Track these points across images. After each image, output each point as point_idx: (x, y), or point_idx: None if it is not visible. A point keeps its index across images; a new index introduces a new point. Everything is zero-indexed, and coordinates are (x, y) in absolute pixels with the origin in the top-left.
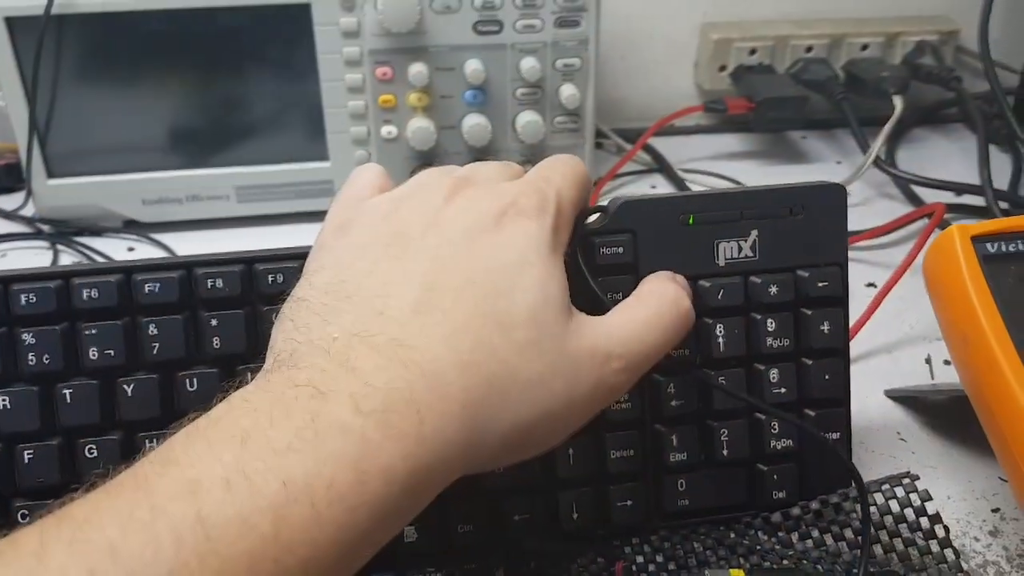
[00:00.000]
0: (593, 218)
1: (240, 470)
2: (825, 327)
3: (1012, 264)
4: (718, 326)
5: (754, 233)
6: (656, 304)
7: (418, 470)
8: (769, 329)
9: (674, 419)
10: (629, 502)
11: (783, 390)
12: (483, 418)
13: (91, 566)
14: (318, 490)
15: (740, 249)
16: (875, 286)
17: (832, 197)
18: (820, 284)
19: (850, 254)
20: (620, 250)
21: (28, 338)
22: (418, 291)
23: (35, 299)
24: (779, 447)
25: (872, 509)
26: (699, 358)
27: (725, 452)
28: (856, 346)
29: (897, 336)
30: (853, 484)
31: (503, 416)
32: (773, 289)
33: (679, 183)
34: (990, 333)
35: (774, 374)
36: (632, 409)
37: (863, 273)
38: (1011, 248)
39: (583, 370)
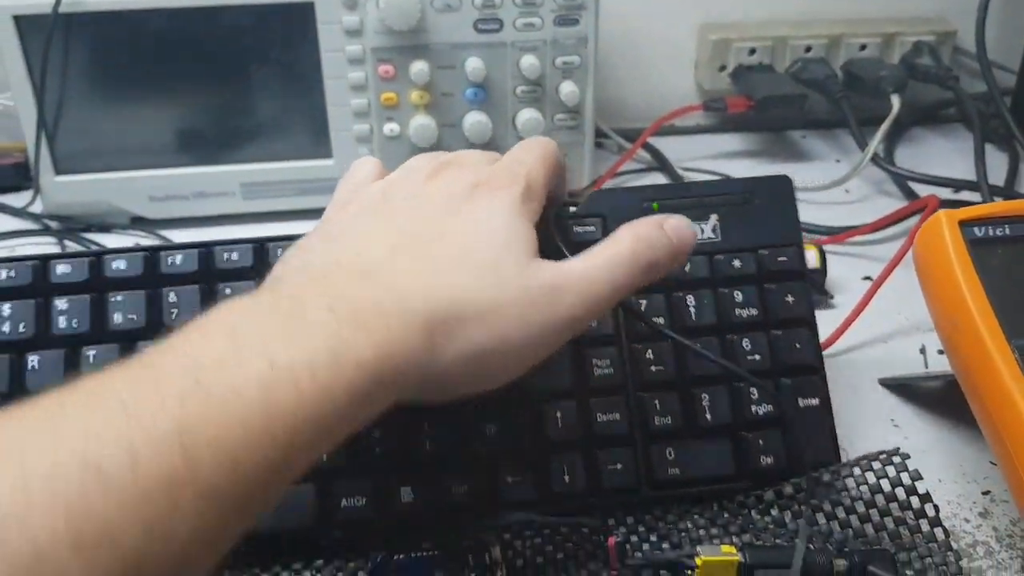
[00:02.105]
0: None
1: (232, 352)
2: (789, 299)
3: (999, 248)
4: (688, 297)
5: (714, 217)
6: (615, 250)
7: (386, 364)
8: (737, 300)
9: (656, 384)
10: (619, 465)
11: (757, 357)
12: (443, 334)
13: (105, 416)
14: (300, 372)
15: (703, 231)
16: (871, 279)
17: (780, 186)
18: (780, 259)
19: (847, 249)
20: (592, 229)
21: (61, 304)
22: (395, 238)
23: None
24: (760, 412)
25: (863, 488)
26: (671, 325)
27: (708, 417)
28: (851, 337)
29: (892, 327)
30: (841, 456)
31: (462, 335)
32: (736, 263)
33: (679, 181)
34: (978, 317)
35: (746, 342)
36: (615, 375)
37: (860, 267)
38: (998, 232)
39: (538, 302)
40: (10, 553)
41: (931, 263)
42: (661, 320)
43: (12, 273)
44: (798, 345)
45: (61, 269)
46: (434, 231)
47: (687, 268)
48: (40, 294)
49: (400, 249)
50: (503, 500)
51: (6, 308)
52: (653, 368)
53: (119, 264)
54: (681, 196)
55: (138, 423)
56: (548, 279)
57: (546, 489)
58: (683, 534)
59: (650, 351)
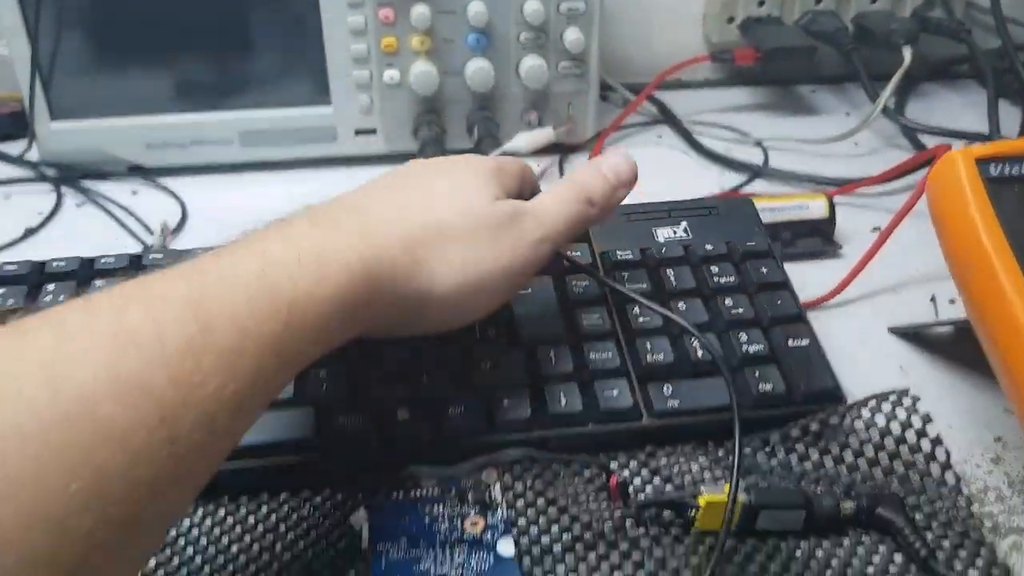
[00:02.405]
0: None
1: (232, 251)
2: (764, 270)
3: (1016, 186)
4: (667, 271)
5: (684, 223)
6: (560, 189)
7: (371, 266)
8: (713, 271)
9: (645, 332)
10: (616, 392)
11: (740, 310)
12: (423, 247)
13: (126, 298)
14: (291, 265)
15: (675, 232)
16: (880, 229)
17: (744, 206)
18: (749, 243)
19: (856, 200)
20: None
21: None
22: (384, 192)
23: None
24: (752, 351)
25: (872, 431)
26: (652, 293)
27: (700, 355)
28: (860, 287)
29: (902, 277)
30: (845, 397)
31: (439, 250)
32: (708, 247)
33: (686, 135)
34: (995, 257)
35: (728, 301)
36: (604, 325)
37: (869, 218)
38: (1015, 171)
39: (504, 223)
40: (63, 399)
41: (946, 203)
42: (644, 286)
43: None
44: (779, 302)
45: None
46: (424, 186)
47: (663, 251)
48: None
49: (385, 197)
50: (499, 421)
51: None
52: (640, 319)
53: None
54: (651, 210)
55: (161, 301)
56: (511, 208)
57: (543, 413)
58: (686, 476)
59: (636, 309)
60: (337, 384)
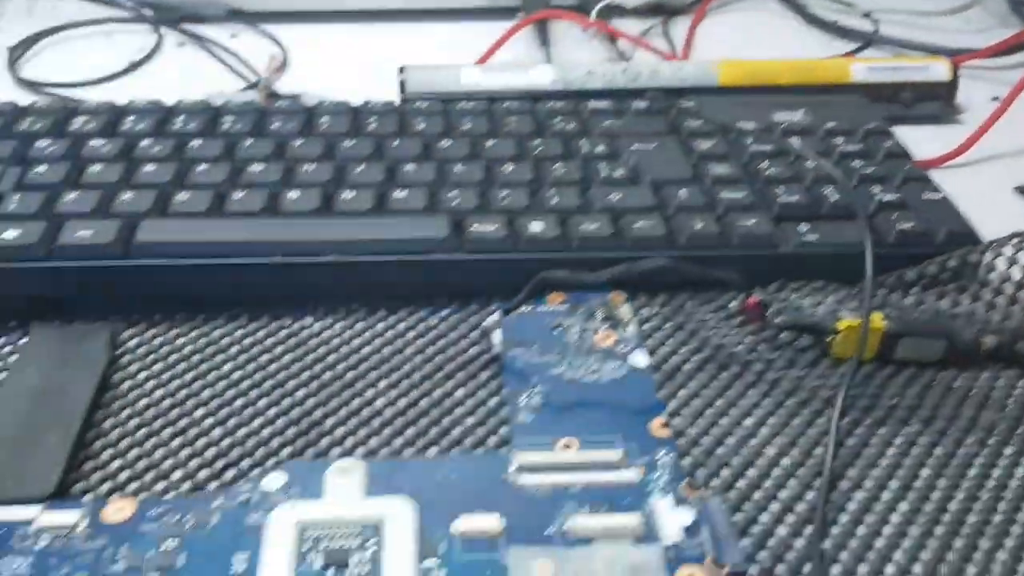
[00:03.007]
0: None
1: None
2: (887, 143)
3: None
4: (791, 139)
5: (802, 110)
6: None
7: None
8: (836, 142)
9: (778, 180)
10: (752, 221)
11: (870, 170)
12: None
13: None
14: None
15: (793, 116)
16: (999, 99)
17: (859, 100)
18: (870, 125)
19: (971, 72)
20: None
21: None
22: None
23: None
24: (885, 199)
25: (1014, 269)
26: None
27: (835, 200)
28: (982, 150)
29: None
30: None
31: None
32: (831, 124)
33: (793, 1)
34: None
35: (856, 163)
36: (735, 171)
37: (986, 89)
38: None
39: None
40: None
41: None
42: (768, 147)
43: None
44: (907, 166)
45: None
46: None
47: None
48: None
49: None
50: (630, 239)
51: None
52: (770, 170)
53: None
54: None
55: None
56: None
57: (676, 234)
58: (820, 308)
59: (765, 162)
60: (470, 194)
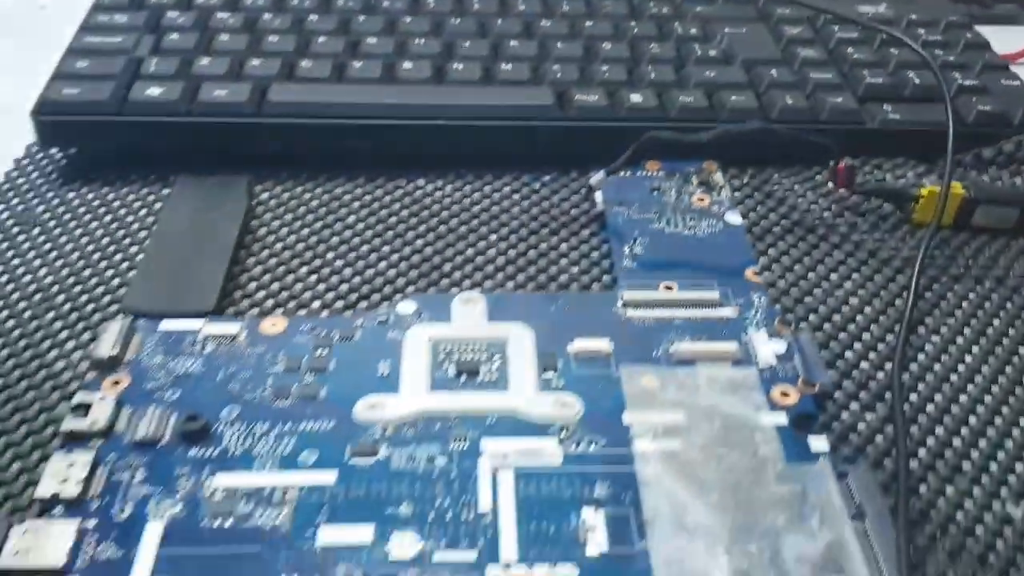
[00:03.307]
0: None
1: None
2: (968, 35)
3: None
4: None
5: (884, 3)
6: None
7: None
8: (919, 33)
9: (862, 63)
10: (839, 99)
11: (951, 57)
12: None
13: None
14: None
15: (876, 8)
16: None
17: None
18: (951, 18)
19: None
20: None
21: None
22: None
23: None
24: (967, 84)
25: None
26: None
27: (916, 81)
28: None
29: None
30: None
31: None
32: (913, 16)
33: None
34: None
35: (938, 51)
36: (821, 54)
37: None
38: None
39: None
40: None
41: None
42: (854, 34)
43: None
44: (987, 56)
45: None
46: None
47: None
48: None
49: None
50: (725, 108)
51: None
52: (855, 55)
53: None
54: None
55: None
56: None
57: (766, 108)
58: (901, 180)
59: (849, 48)
60: (571, 68)
